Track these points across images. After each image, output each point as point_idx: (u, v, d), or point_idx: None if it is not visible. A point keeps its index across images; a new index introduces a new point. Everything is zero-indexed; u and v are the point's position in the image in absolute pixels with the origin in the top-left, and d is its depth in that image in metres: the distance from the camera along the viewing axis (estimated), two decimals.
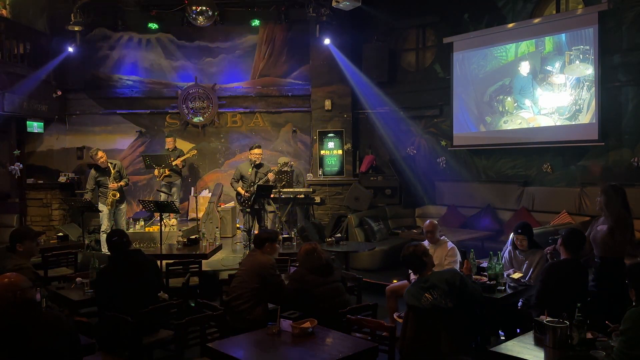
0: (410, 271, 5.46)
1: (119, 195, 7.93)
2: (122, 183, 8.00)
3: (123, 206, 8.15)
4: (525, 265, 4.97)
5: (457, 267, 5.17)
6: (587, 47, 7.43)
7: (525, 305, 4.61)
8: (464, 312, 3.74)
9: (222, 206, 9.63)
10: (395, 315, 5.06)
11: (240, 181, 7.96)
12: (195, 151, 9.43)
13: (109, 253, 7.41)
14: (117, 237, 4.54)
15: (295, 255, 5.48)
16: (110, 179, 7.87)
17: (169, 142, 9.47)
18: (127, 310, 3.98)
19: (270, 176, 7.62)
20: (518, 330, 4.38)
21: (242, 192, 7.76)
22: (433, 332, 3.65)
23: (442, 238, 5.44)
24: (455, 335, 3.65)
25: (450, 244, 5.37)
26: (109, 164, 7.96)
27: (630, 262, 3.71)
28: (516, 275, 4.82)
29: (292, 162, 9.57)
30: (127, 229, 8.33)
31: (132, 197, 9.96)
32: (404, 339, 3.80)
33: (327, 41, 9.43)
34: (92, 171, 8.03)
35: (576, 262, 4.24)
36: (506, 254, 5.21)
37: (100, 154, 7.90)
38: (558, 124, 7.82)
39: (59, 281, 5.75)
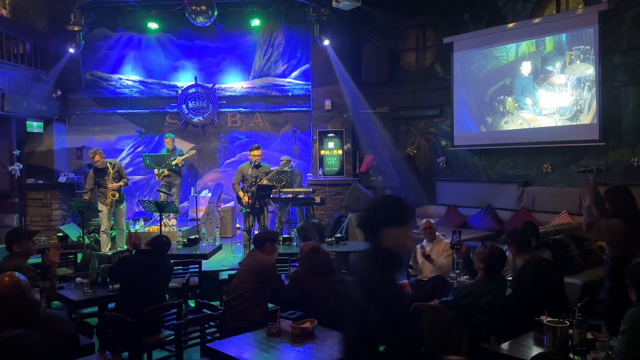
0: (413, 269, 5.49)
1: (118, 195, 7.93)
2: (121, 183, 7.99)
3: (122, 206, 8.14)
4: None
5: (452, 263, 5.22)
6: (588, 47, 7.43)
7: None
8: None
9: (222, 206, 9.63)
10: None
11: (241, 182, 7.96)
12: (194, 151, 9.43)
13: (109, 253, 7.52)
14: (167, 238, 4.90)
15: (295, 255, 5.48)
16: (109, 179, 7.87)
17: (168, 142, 9.46)
18: (132, 305, 4.01)
19: (264, 181, 7.61)
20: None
21: (242, 195, 7.74)
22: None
23: (438, 235, 5.58)
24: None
25: (446, 241, 5.45)
26: (108, 164, 7.95)
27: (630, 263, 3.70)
28: (510, 277, 4.84)
29: (292, 163, 9.58)
30: (127, 229, 8.33)
31: (132, 197, 9.96)
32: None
33: (326, 42, 9.42)
34: (91, 171, 8.03)
35: (538, 260, 4.21)
36: (508, 253, 5.22)
37: (97, 156, 7.86)
38: (559, 124, 7.82)
39: (58, 281, 5.74)
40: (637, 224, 4.05)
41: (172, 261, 5.83)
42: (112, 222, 8.08)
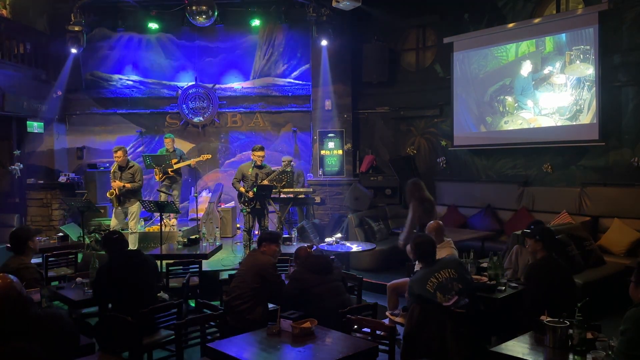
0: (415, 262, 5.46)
1: (115, 192, 7.92)
2: (121, 183, 7.96)
3: (133, 207, 8.05)
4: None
5: None
6: (588, 47, 7.43)
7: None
8: (471, 304, 3.82)
9: (222, 206, 9.62)
10: (388, 313, 4.96)
11: (241, 181, 7.96)
12: (209, 155, 9.30)
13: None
14: (118, 235, 4.65)
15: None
16: (112, 177, 7.95)
17: (167, 143, 9.44)
18: (125, 309, 3.97)
19: (265, 182, 7.62)
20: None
21: (243, 190, 7.74)
22: (438, 326, 3.69)
23: (447, 240, 5.36)
24: (461, 331, 3.68)
25: (453, 246, 5.30)
26: (128, 164, 8.01)
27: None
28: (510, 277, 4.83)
29: (293, 163, 9.57)
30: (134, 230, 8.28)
31: None
32: (408, 335, 3.83)
33: (324, 43, 9.40)
34: (114, 165, 8.15)
35: (555, 260, 4.29)
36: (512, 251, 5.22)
37: (119, 152, 7.93)
38: (559, 124, 7.82)
39: (59, 281, 5.75)
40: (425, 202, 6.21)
41: (171, 261, 5.86)
42: (122, 222, 8.11)
